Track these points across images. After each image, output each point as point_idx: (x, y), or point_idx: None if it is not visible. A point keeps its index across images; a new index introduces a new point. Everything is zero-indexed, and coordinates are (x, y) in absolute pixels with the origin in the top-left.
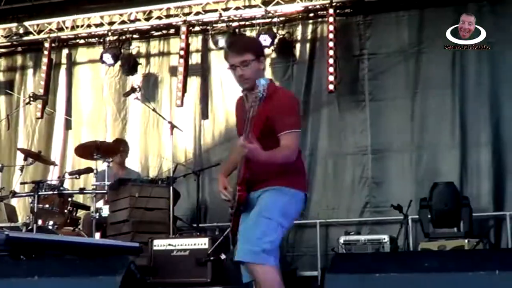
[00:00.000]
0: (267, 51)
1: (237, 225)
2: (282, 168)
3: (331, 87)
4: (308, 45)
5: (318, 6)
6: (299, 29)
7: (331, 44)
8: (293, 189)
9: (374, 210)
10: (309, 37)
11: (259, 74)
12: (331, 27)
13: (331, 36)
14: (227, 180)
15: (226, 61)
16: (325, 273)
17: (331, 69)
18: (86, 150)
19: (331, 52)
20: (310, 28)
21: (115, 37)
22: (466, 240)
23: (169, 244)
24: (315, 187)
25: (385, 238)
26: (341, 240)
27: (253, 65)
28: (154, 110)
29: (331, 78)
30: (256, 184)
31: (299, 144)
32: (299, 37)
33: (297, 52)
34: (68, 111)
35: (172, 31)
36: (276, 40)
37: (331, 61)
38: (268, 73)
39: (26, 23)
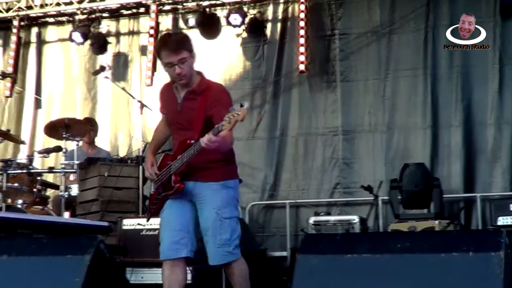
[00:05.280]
0: (238, 30)
1: (161, 207)
2: (220, 157)
3: (301, 67)
4: (279, 24)
5: None
6: (270, 8)
7: (302, 24)
8: (233, 179)
9: (345, 191)
10: (280, 16)
11: (193, 70)
12: (302, 7)
13: (302, 15)
14: (154, 159)
15: (159, 59)
16: (296, 253)
17: (302, 49)
18: (55, 129)
19: (302, 32)
20: (281, 7)
21: (85, 16)
22: (436, 221)
23: (138, 224)
24: (285, 168)
25: (355, 219)
26: (311, 220)
27: (189, 62)
28: (123, 89)
29: (302, 58)
30: (192, 173)
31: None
32: (270, 17)
33: (268, 31)
34: (38, 90)
35: (142, 10)
36: (246, 20)
37: (302, 41)
38: (239, 53)
39: None
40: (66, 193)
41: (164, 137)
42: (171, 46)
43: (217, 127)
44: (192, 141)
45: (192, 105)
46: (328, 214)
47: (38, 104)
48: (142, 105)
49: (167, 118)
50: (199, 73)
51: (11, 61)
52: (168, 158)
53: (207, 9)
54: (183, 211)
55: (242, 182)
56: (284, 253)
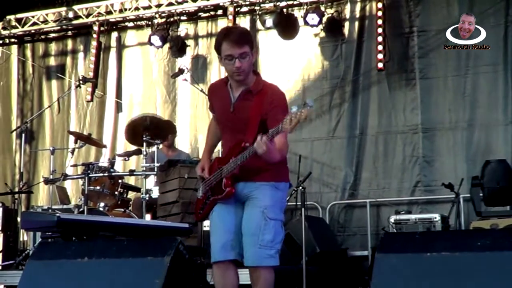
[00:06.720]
0: (315, 30)
1: (208, 212)
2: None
3: (380, 65)
4: (356, 23)
5: None
6: (347, 7)
7: (379, 22)
8: (283, 182)
9: (425, 189)
10: (357, 15)
11: (251, 68)
12: (380, 5)
13: (379, 13)
14: (207, 162)
15: (217, 51)
16: (376, 252)
17: (380, 47)
18: (136, 130)
19: (380, 30)
20: (358, 6)
21: (163, 19)
22: None
23: None
24: (365, 167)
25: (436, 217)
26: (392, 219)
27: (250, 58)
28: (202, 91)
29: (380, 56)
30: (243, 175)
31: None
32: (347, 16)
33: (346, 30)
34: (118, 94)
35: (219, 12)
36: (324, 19)
37: (380, 39)
38: (317, 52)
39: (75, 7)
40: (147, 195)
41: (217, 138)
42: (234, 38)
43: (274, 130)
44: (247, 144)
45: (247, 105)
46: (409, 212)
47: (118, 108)
48: None
49: (217, 117)
50: (256, 73)
51: (92, 66)
52: (220, 162)
53: (285, 10)
54: (232, 214)
55: (292, 187)
56: (365, 253)
